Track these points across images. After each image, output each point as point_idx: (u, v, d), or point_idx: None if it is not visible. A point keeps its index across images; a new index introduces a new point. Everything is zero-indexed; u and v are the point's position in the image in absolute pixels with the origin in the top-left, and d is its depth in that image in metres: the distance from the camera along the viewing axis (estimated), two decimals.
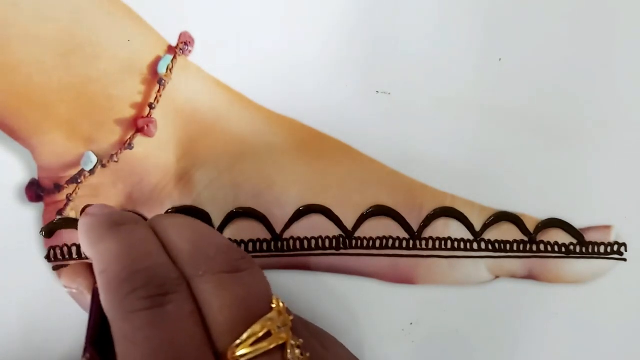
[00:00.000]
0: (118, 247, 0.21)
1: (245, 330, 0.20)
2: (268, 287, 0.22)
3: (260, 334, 0.20)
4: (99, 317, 0.21)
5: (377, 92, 0.29)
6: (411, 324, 0.29)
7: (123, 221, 0.23)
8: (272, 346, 0.20)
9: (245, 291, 0.21)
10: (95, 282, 0.22)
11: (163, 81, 0.27)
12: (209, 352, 0.19)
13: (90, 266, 0.23)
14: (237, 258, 0.22)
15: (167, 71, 0.27)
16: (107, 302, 0.20)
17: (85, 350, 0.21)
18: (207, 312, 0.20)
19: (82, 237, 0.23)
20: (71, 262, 0.28)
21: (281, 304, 0.21)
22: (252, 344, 0.19)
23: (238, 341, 0.19)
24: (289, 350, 0.20)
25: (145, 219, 0.27)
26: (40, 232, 0.27)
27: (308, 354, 0.20)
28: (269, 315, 0.20)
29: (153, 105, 0.28)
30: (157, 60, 0.28)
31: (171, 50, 0.28)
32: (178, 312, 0.20)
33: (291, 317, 0.21)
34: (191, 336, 0.19)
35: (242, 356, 0.19)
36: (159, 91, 0.28)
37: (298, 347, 0.20)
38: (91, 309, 0.22)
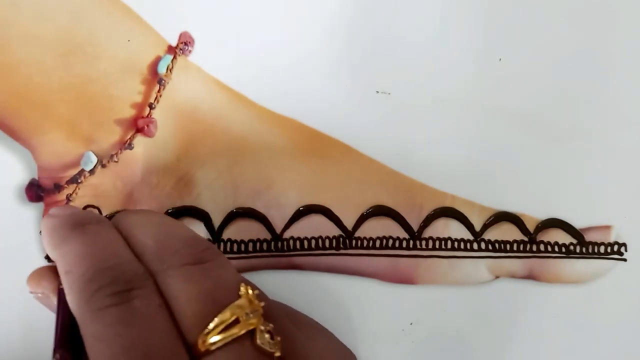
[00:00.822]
0: (82, 247, 0.21)
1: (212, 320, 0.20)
2: (235, 276, 0.22)
3: (229, 321, 0.20)
4: (66, 318, 0.21)
5: (377, 92, 0.29)
6: (411, 324, 0.29)
7: (86, 221, 0.23)
8: (242, 332, 0.20)
9: (212, 282, 0.21)
10: (60, 284, 0.22)
11: (163, 81, 0.27)
12: (179, 345, 0.19)
13: (54, 269, 0.23)
14: (201, 249, 0.22)
15: (167, 71, 0.27)
16: (74, 302, 0.20)
17: (55, 351, 0.21)
18: (174, 306, 0.20)
19: (45, 238, 0.23)
20: None
21: (250, 291, 0.21)
22: (221, 331, 0.19)
23: (207, 330, 0.19)
24: (258, 336, 0.20)
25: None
26: (40, 232, 0.27)
27: (279, 338, 0.20)
28: (237, 302, 0.20)
29: (153, 105, 0.28)
30: (157, 60, 0.28)
31: (171, 50, 0.28)
32: (146, 307, 0.20)
33: (262, 304, 0.21)
34: (161, 330, 0.19)
35: (212, 344, 0.19)
36: (159, 91, 0.28)
37: (268, 331, 0.20)
38: (57, 310, 0.22)
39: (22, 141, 0.28)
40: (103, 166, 0.28)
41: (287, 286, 0.28)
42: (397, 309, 0.28)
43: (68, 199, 0.27)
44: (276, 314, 0.22)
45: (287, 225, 0.28)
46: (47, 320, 0.28)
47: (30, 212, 0.28)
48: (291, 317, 0.24)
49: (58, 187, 0.28)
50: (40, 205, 0.28)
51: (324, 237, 0.28)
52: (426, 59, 0.29)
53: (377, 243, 0.28)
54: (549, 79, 0.29)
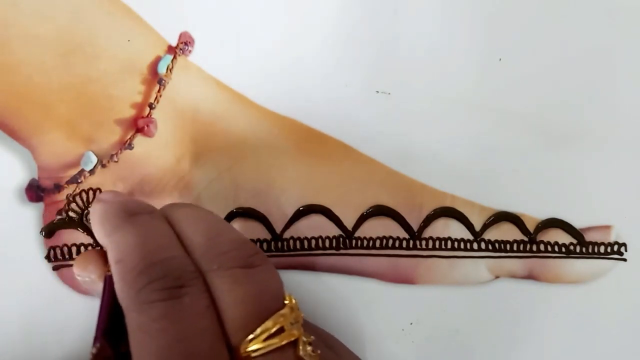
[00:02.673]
0: (135, 237, 0.21)
1: (258, 326, 0.20)
2: (280, 284, 0.22)
3: (273, 330, 0.20)
4: (111, 307, 0.21)
5: (377, 92, 0.29)
6: (411, 324, 0.29)
7: (138, 210, 0.23)
8: (284, 342, 0.20)
9: (259, 287, 0.21)
10: (108, 270, 0.21)
11: (163, 81, 0.27)
12: (222, 346, 0.19)
13: (101, 254, 0.23)
14: (250, 254, 0.22)
15: (167, 71, 0.27)
16: (123, 292, 0.20)
17: (96, 339, 0.20)
18: (220, 307, 0.20)
19: (95, 224, 0.23)
20: (71, 262, 0.28)
21: (293, 301, 0.21)
22: (264, 340, 0.19)
23: (251, 336, 0.19)
24: (301, 347, 0.20)
25: None
26: (40, 232, 0.27)
27: (319, 351, 0.21)
28: (282, 311, 0.20)
29: (153, 105, 0.28)
30: (157, 60, 0.28)
31: (171, 50, 0.28)
32: (193, 306, 0.20)
33: (302, 314, 0.21)
34: (206, 330, 0.19)
35: (254, 351, 0.19)
36: (159, 91, 0.28)
37: (309, 343, 0.20)
38: (102, 297, 0.22)
39: (22, 141, 0.28)
40: (103, 166, 0.28)
41: (287, 286, 0.28)
42: (397, 309, 0.28)
43: (68, 199, 0.27)
44: (311, 326, 0.22)
45: (287, 225, 0.28)
46: (47, 321, 0.28)
47: (30, 212, 0.28)
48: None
49: (58, 187, 0.28)
50: (40, 205, 0.28)
51: (324, 237, 0.28)
52: (426, 59, 0.29)
53: (377, 243, 0.28)
54: (549, 79, 0.29)
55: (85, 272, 0.23)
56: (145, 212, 0.23)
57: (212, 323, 0.20)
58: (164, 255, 0.21)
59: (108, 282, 0.21)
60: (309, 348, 0.20)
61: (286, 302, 0.21)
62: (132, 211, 0.23)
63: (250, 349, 0.19)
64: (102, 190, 0.28)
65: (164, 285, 0.20)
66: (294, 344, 0.20)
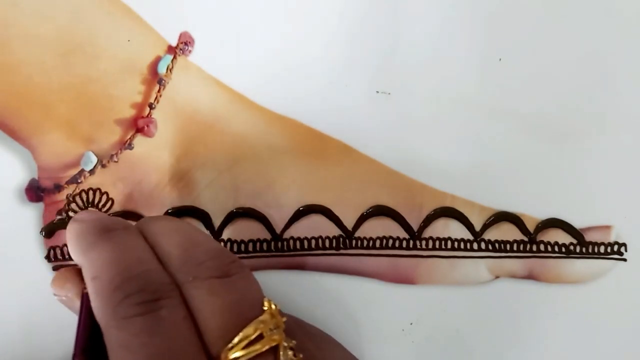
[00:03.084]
0: (110, 253, 0.21)
1: (237, 334, 0.20)
2: (259, 290, 0.22)
3: (253, 337, 0.20)
4: (89, 324, 0.21)
5: (377, 92, 0.29)
6: (411, 324, 0.29)
7: (113, 227, 0.23)
8: (264, 348, 0.20)
9: (236, 296, 0.21)
10: (84, 288, 0.21)
11: (163, 81, 0.27)
12: (203, 357, 0.19)
13: (78, 272, 0.23)
14: (227, 262, 0.22)
15: (167, 71, 0.27)
16: (100, 308, 0.20)
17: (74, 357, 0.20)
18: (199, 318, 0.20)
19: (71, 243, 0.23)
20: (70, 262, 0.28)
21: (273, 306, 0.21)
22: (244, 347, 0.19)
23: (231, 344, 0.19)
24: (281, 352, 0.20)
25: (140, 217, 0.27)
26: (40, 232, 0.27)
27: (301, 355, 0.20)
28: (261, 317, 0.20)
29: (153, 105, 0.28)
30: (157, 60, 0.28)
31: (171, 50, 0.28)
32: (172, 318, 0.20)
33: (284, 319, 0.21)
34: (187, 342, 0.19)
35: (235, 359, 0.19)
36: (159, 91, 0.28)
37: (291, 348, 0.20)
38: (80, 315, 0.22)
39: (22, 141, 0.28)
40: (103, 166, 0.28)
41: (287, 286, 0.28)
42: (397, 309, 0.28)
43: (68, 199, 0.27)
44: (294, 330, 0.22)
45: (287, 225, 0.28)
46: (47, 321, 0.28)
47: (30, 212, 0.28)
48: (301, 329, 0.24)
49: (58, 187, 0.28)
50: (40, 205, 0.28)
51: (324, 237, 0.28)
52: (426, 60, 0.29)
53: (377, 243, 0.28)
54: (549, 79, 0.29)
55: (62, 290, 0.23)
56: (120, 227, 0.23)
57: (191, 335, 0.20)
58: (139, 269, 0.21)
59: (85, 299, 0.21)
60: (290, 352, 0.20)
61: (265, 308, 0.21)
62: (106, 228, 0.22)
63: (231, 357, 0.19)
64: (102, 190, 0.28)
65: (140, 299, 0.20)
66: (275, 349, 0.20)
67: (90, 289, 0.21)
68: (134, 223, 0.24)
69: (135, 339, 0.19)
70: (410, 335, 0.28)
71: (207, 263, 0.21)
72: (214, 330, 0.20)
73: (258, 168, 0.28)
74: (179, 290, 0.21)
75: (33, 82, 0.27)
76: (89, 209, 0.27)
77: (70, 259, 0.27)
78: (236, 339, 0.19)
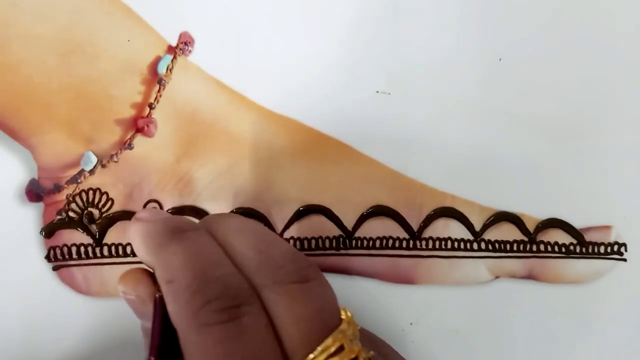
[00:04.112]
0: (184, 255, 0.20)
1: (318, 344, 0.19)
2: (335, 298, 0.21)
3: (333, 349, 0.19)
4: (164, 328, 0.20)
5: (377, 92, 0.29)
6: (411, 324, 0.29)
7: (183, 227, 0.22)
8: None
9: (317, 303, 0.20)
10: (158, 290, 0.21)
11: (163, 81, 0.27)
12: None
13: (148, 272, 0.22)
14: (304, 267, 0.21)
15: (167, 71, 0.27)
16: (178, 314, 0.19)
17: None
18: (279, 326, 0.19)
19: (138, 244, 0.22)
20: (70, 262, 0.28)
21: (349, 314, 0.20)
22: (326, 358, 0.19)
23: (311, 355, 0.19)
24: None
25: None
26: (40, 232, 0.27)
27: None
28: (341, 327, 0.20)
29: (153, 105, 0.28)
30: (157, 60, 0.28)
31: (171, 50, 0.28)
32: (254, 325, 0.19)
33: (358, 327, 0.20)
34: (269, 350, 0.19)
35: None
36: (159, 91, 0.28)
37: (369, 359, 0.20)
38: (154, 318, 0.20)
39: (22, 141, 0.28)
40: (103, 166, 0.28)
41: None
42: (397, 309, 0.28)
43: (68, 199, 0.27)
44: (366, 339, 0.21)
45: (287, 225, 0.28)
46: (47, 321, 0.28)
47: (30, 212, 0.28)
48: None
49: (58, 187, 0.28)
50: (40, 205, 0.28)
51: (324, 237, 0.28)
52: (426, 59, 0.29)
53: (377, 243, 0.28)
54: (549, 79, 0.29)
55: (135, 291, 0.22)
56: (190, 228, 0.22)
57: (273, 343, 0.19)
58: (217, 272, 0.20)
59: (159, 302, 0.20)
60: None
61: (342, 316, 0.20)
62: (176, 228, 0.21)
63: None
64: (102, 190, 0.28)
65: (222, 305, 0.19)
66: None
67: (166, 293, 0.20)
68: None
69: (217, 347, 0.18)
70: (410, 335, 0.28)
71: (286, 267, 0.20)
72: (295, 339, 0.19)
73: (258, 168, 0.28)
74: (257, 296, 0.20)
75: (33, 82, 0.27)
76: (151, 207, 0.27)
77: (70, 258, 0.28)
78: (318, 350, 0.19)
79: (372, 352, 0.20)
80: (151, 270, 0.21)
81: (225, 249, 0.21)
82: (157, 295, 0.20)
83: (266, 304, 0.20)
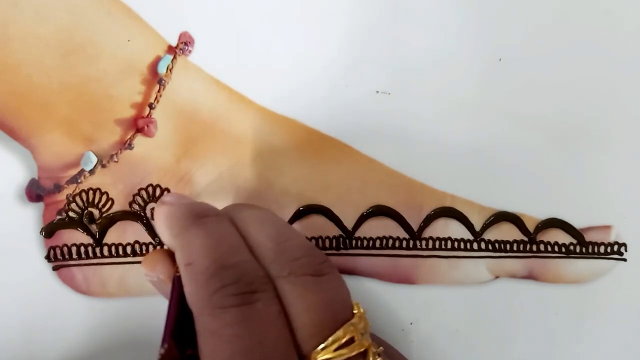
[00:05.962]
0: (204, 239, 0.21)
1: (330, 335, 0.19)
2: (349, 293, 0.21)
3: (344, 340, 0.20)
4: (179, 308, 0.20)
5: (377, 92, 0.29)
6: (411, 324, 0.29)
7: (205, 213, 0.22)
8: (354, 353, 0.20)
9: (330, 296, 0.20)
10: (176, 271, 0.21)
11: (163, 81, 0.27)
12: (294, 354, 0.19)
13: (169, 253, 0.22)
14: (320, 261, 0.21)
15: (167, 71, 0.27)
16: (194, 295, 0.20)
17: (164, 340, 0.20)
18: (292, 314, 0.20)
19: (161, 225, 0.23)
20: (71, 262, 0.28)
21: (361, 310, 0.21)
22: (335, 350, 0.19)
23: (322, 345, 0.19)
24: (371, 358, 0.20)
25: None
26: (40, 232, 0.27)
27: None
28: (352, 320, 0.20)
29: (153, 105, 0.28)
30: (157, 60, 0.28)
31: (171, 50, 0.28)
32: (267, 312, 0.19)
33: (369, 324, 0.21)
34: (279, 336, 0.19)
35: None
36: (159, 91, 0.28)
37: (378, 355, 0.20)
38: (170, 299, 0.21)
39: (22, 141, 0.28)
40: (103, 166, 0.28)
41: None
42: (397, 309, 0.28)
43: (68, 199, 0.27)
44: (375, 335, 0.22)
45: None
46: (47, 321, 0.28)
47: (30, 212, 0.28)
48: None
49: (58, 187, 0.28)
50: (40, 205, 0.28)
51: (324, 237, 0.28)
52: (426, 59, 0.29)
53: (377, 243, 0.28)
54: (549, 79, 0.29)
55: (154, 272, 0.23)
56: (212, 214, 0.22)
57: (284, 330, 0.19)
58: (235, 258, 0.20)
59: (177, 283, 0.21)
60: (378, 359, 0.20)
61: (355, 311, 0.21)
62: (199, 213, 0.22)
63: (321, 358, 0.19)
64: (102, 190, 0.28)
65: (237, 290, 0.20)
66: (363, 354, 0.20)
67: (184, 274, 0.21)
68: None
69: (228, 329, 0.19)
70: (410, 335, 0.29)
71: (302, 260, 0.21)
72: (306, 328, 0.20)
73: (258, 168, 0.28)
74: (272, 284, 0.20)
75: (33, 82, 0.27)
76: (174, 192, 0.27)
77: (71, 258, 0.28)
78: (329, 340, 0.19)
79: (381, 348, 0.21)
80: (172, 252, 0.22)
81: (244, 237, 0.22)
82: (175, 275, 0.21)
83: (280, 293, 0.20)
